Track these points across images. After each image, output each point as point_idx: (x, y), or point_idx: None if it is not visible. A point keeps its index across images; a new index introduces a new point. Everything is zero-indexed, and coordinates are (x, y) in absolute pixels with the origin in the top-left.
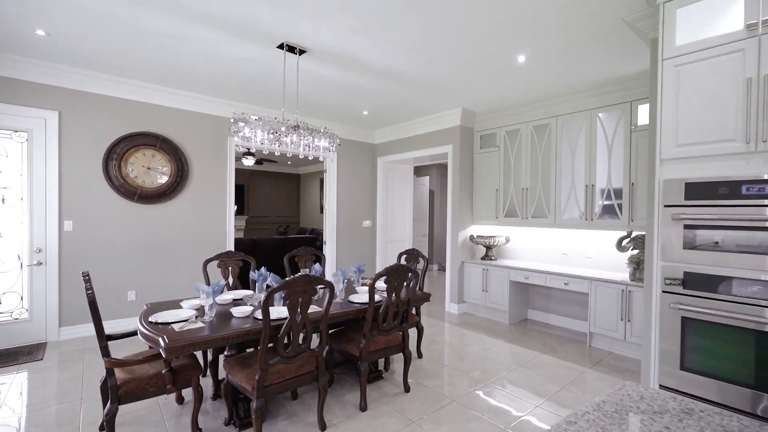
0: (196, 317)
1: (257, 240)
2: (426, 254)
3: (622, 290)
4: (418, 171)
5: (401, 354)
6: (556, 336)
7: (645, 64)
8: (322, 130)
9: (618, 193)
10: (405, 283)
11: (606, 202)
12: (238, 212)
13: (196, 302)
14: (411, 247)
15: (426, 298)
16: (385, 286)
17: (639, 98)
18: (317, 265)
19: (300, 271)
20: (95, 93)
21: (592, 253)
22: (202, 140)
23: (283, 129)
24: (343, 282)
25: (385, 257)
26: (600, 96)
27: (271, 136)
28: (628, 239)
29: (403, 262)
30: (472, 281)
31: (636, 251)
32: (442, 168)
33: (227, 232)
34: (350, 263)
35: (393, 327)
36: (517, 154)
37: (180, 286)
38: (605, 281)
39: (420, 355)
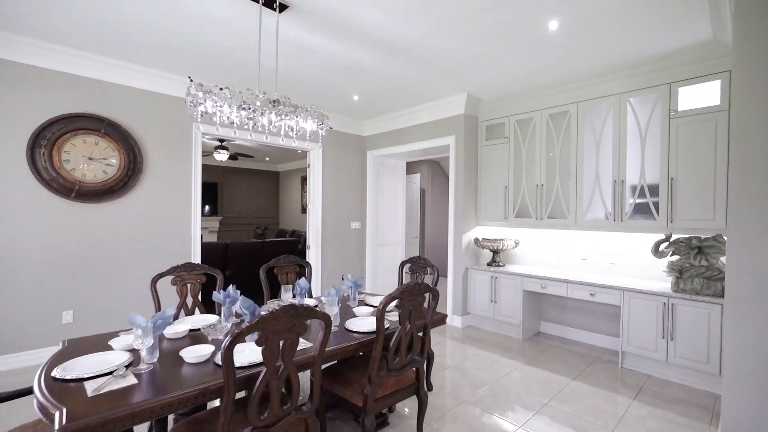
0: (128, 367)
1: (231, 244)
2: None
3: (664, 303)
4: (409, 168)
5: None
6: (579, 354)
7: (694, 36)
8: (308, 108)
9: (653, 190)
10: (422, 304)
11: (639, 201)
12: (212, 213)
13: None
14: (417, 255)
15: (442, 320)
16: (395, 309)
17: (680, 79)
18: (302, 281)
19: (281, 287)
20: (16, 62)
21: (618, 259)
22: (160, 126)
23: (258, 104)
24: (338, 303)
25: (376, 263)
26: (632, 78)
27: (242, 113)
28: (666, 243)
29: (406, 273)
30: (478, 291)
31: (677, 257)
32: (434, 165)
33: (193, 236)
34: (343, 274)
35: (406, 363)
36: (529, 146)
37: (132, 303)
38: (642, 292)
39: (430, 387)
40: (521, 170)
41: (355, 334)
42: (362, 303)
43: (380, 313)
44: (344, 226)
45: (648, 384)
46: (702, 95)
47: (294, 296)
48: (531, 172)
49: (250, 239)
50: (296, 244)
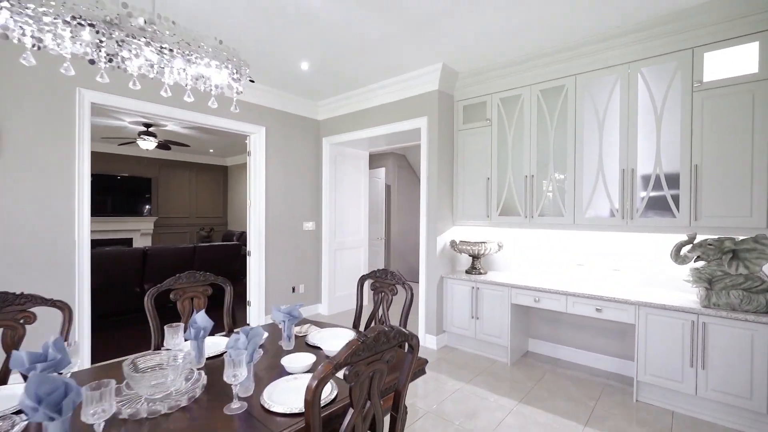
0: None
1: (149, 251)
2: (383, 262)
3: (692, 321)
4: (372, 161)
5: None
6: (581, 383)
7: None
8: (211, 49)
9: (672, 181)
10: (390, 362)
11: (653, 194)
12: (146, 213)
13: None
14: (382, 268)
15: (421, 371)
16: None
17: (706, 42)
18: (200, 316)
19: (180, 317)
20: None
21: (622, 264)
22: (19, 90)
23: (104, 19)
24: (252, 359)
25: (334, 271)
26: (644, 43)
27: (83, 39)
28: (690, 246)
29: (367, 289)
30: (455, 304)
31: (703, 263)
32: (401, 158)
33: (78, 242)
34: (291, 294)
35: None
36: (517, 129)
37: None
38: (663, 308)
39: None
40: (506, 159)
41: (277, 418)
42: (304, 343)
43: (312, 395)
44: (295, 226)
45: (679, 427)
46: (734, 62)
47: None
48: (518, 160)
49: (195, 243)
50: (239, 250)
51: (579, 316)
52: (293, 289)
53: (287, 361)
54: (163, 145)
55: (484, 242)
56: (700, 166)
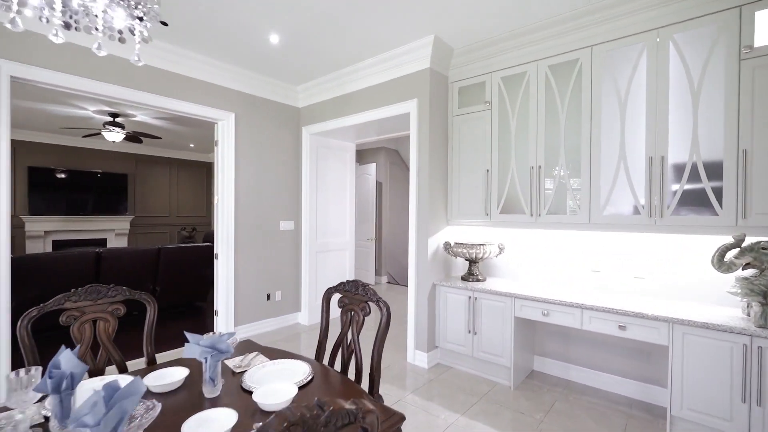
0: None
1: (104, 254)
2: (373, 265)
3: (744, 345)
4: (361, 157)
5: None
6: (600, 413)
7: None
8: None
9: (713, 170)
10: None
11: (689, 187)
12: (121, 212)
13: None
14: (353, 279)
15: (397, 429)
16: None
17: None
18: (64, 355)
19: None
20: None
21: (647, 271)
22: None
23: None
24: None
25: (315, 276)
26: (676, 2)
27: None
28: (737, 250)
29: (335, 305)
30: (450, 316)
31: (754, 272)
32: (393, 154)
33: None
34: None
35: None
36: (521, 113)
37: None
38: (705, 326)
39: None
40: (509, 148)
41: None
42: (239, 384)
43: None
44: (271, 226)
45: None
46: None
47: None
48: (523, 149)
49: (178, 243)
50: (211, 252)
51: (596, 333)
52: (268, 297)
53: (190, 427)
54: (134, 138)
55: (482, 244)
56: (750, 151)
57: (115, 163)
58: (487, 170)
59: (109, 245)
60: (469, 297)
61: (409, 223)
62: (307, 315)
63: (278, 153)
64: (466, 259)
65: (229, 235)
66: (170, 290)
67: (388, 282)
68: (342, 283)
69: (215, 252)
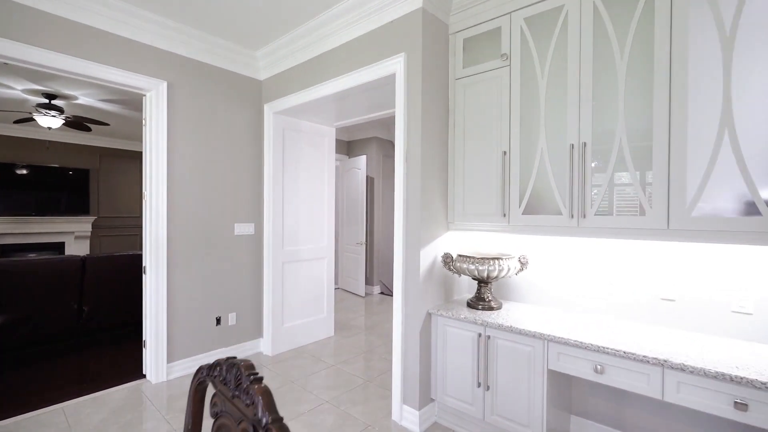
0: None
1: (8, 269)
2: (364, 273)
3: None
4: (350, 148)
5: None
6: None
7: None
8: None
9: None
10: None
11: None
12: (82, 212)
13: None
14: (226, 358)
15: None
16: None
17: None
18: None
19: None
20: None
21: (758, 302)
22: None
23: None
24: None
25: (282, 293)
26: None
27: None
28: None
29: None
30: (451, 359)
31: None
32: (387, 145)
33: None
34: (218, 314)
35: None
36: (555, 68)
37: None
38: None
39: None
40: (536, 119)
41: None
42: None
43: None
44: (221, 231)
45: None
46: None
47: None
48: (558, 120)
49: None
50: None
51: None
52: (218, 321)
53: None
54: (78, 125)
55: (497, 258)
56: None
57: (76, 157)
58: (505, 152)
59: (67, 250)
60: (479, 335)
61: (395, 229)
62: (271, 343)
63: (234, 137)
64: (474, 278)
65: (159, 242)
66: (101, 310)
67: (381, 293)
68: (214, 365)
69: (143, 265)
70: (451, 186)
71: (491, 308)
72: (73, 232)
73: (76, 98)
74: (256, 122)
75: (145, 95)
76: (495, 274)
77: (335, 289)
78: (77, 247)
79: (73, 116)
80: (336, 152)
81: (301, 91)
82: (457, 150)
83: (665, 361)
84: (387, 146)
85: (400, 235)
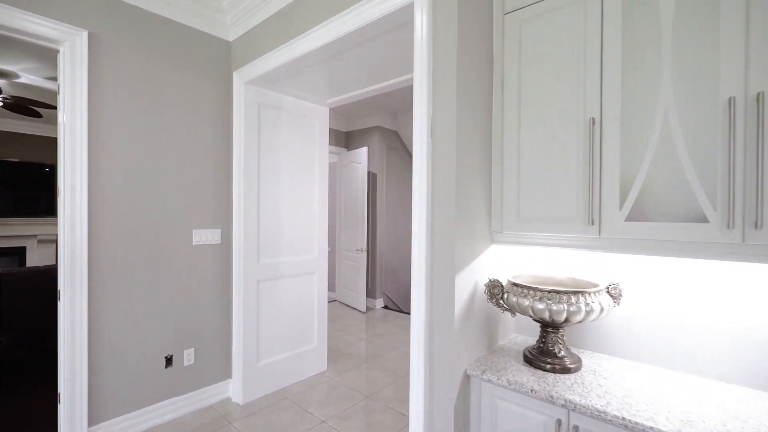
0: None
1: None
2: (365, 284)
3: None
4: (348, 140)
5: None
6: None
7: None
8: None
9: None
10: None
11: None
12: (48, 212)
13: None
14: None
15: None
16: None
17: None
18: None
19: None
20: None
21: None
22: None
23: None
24: None
25: (257, 320)
26: None
27: None
28: None
29: None
30: None
31: None
32: (391, 135)
33: None
34: (169, 353)
35: None
36: None
37: None
38: None
39: None
40: (653, 63)
41: None
42: None
43: None
44: (175, 238)
45: None
46: None
47: None
48: (697, 63)
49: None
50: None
51: None
52: (169, 361)
53: None
54: (22, 109)
55: (580, 292)
56: None
57: (39, 150)
58: (593, 120)
59: (29, 256)
60: (558, 422)
61: (413, 245)
62: (242, 387)
63: (193, 115)
64: (537, 320)
65: (76, 254)
66: (21, 340)
67: (385, 307)
68: None
69: (59, 287)
70: (497, 177)
71: (566, 369)
72: (35, 236)
73: (17, 76)
74: (225, 96)
75: (58, 50)
76: (578, 317)
77: (331, 302)
78: (39, 253)
79: (12, 96)
80: (332, 144)
81: (279, 47)
82: (508, 121)
83: None
84: (391, 137)
85: (423, 253)
